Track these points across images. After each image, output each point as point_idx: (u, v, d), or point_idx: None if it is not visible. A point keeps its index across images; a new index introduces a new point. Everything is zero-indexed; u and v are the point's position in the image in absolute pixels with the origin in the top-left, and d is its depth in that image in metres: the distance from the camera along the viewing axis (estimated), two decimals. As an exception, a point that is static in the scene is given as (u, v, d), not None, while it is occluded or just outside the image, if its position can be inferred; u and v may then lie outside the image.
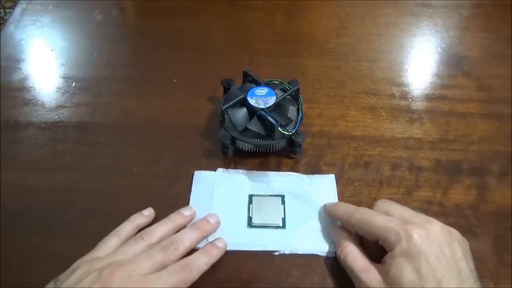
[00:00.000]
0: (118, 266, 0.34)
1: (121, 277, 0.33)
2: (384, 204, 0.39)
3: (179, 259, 0.37)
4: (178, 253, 0.37)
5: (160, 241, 0.38)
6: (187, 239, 0.39)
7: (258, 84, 0.49)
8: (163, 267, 0.36)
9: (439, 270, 0.32)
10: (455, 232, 0.36)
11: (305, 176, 0.46)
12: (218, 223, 0.42)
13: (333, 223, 0.42)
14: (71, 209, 0.44)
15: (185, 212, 0.42)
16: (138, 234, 0.39)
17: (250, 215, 0.43)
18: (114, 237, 0.38)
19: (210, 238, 0.41)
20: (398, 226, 0.35)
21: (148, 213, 0.42)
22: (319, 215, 0.43)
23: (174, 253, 0.37)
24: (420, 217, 0.36)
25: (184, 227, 0.41)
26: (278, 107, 0.47)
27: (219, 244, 0.40)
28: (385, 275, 0.34)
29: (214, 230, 0.41)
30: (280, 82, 0.51)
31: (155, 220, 0.42)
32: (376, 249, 0.37)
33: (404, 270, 0.33)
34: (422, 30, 0.66)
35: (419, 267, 0.33)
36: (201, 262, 0.37)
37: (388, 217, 0.37)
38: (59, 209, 0.44)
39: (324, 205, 0.43)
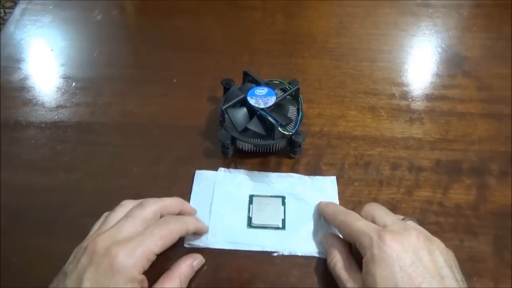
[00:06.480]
0: (100, 234, 0.34)
1: (105, 242, 0.33)
2: (370, 208, 0.39)
3: (158, 211, 0.37)
4: (156, 205, 0.37)
5: None
6: (165, 199, 0.39)
7: (258, 84, 0.49)
8: (145, 222, 0.36)
9: (416, 276, 0.31)
10: (437, 242, 0.35)
11: (306, 177, 0.46)
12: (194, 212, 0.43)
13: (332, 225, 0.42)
14: (71, 209, 0.44)
15: None
16: (118, 205, 0.39)
17: (250, 216, 0.43)
18: (103, 217, 0.38)
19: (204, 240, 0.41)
20: (373, 231, 0.34)
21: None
22: (319, 217, 0.43)
23: (152, 205, 0.37)
24: (400, 224, 0.35)
25: None
26: (278, 107, 0.47)
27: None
28: (363, 283, 0.33)
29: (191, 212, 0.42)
30: (280, 82, 0.51)
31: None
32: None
33: (377, 276, 0.32)
34: (422, 30, 0.66)
35: (393, 273, 0.32)
36: (189, 220, 0.39)
37: (368, 222, 0.36)
38: (59, 209, 0.44)
39: (319, 202, 0.44)
